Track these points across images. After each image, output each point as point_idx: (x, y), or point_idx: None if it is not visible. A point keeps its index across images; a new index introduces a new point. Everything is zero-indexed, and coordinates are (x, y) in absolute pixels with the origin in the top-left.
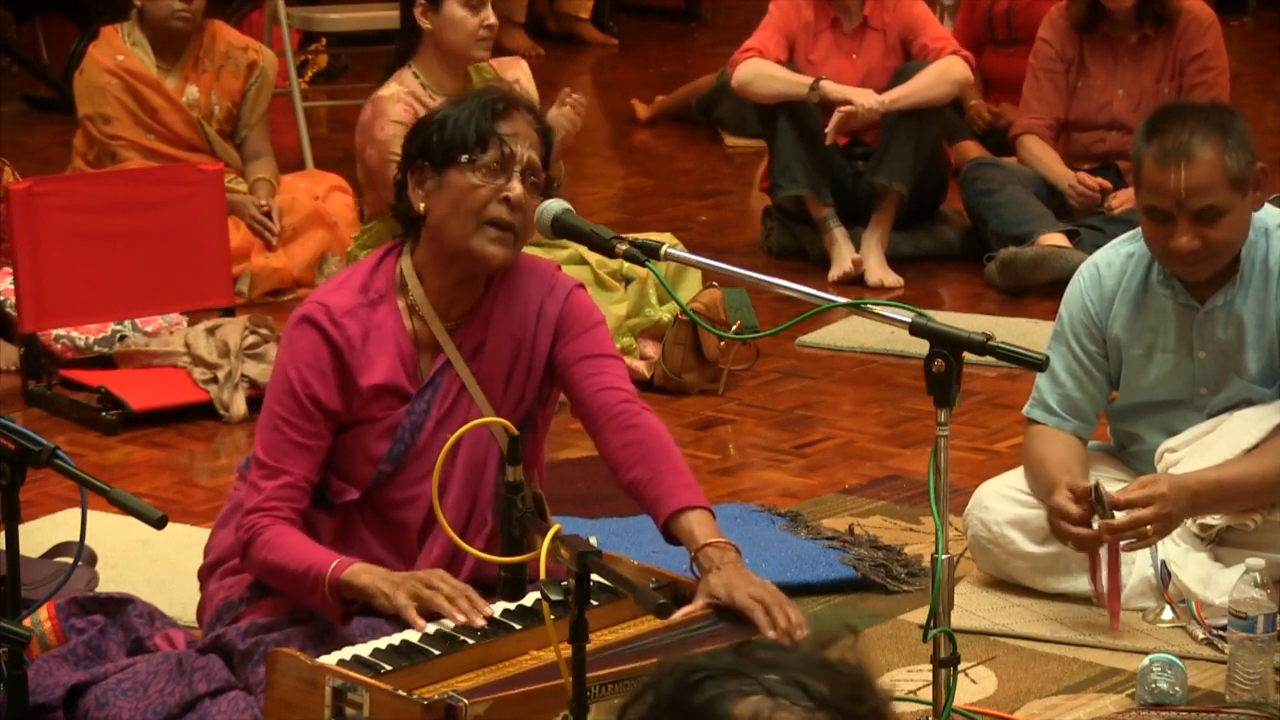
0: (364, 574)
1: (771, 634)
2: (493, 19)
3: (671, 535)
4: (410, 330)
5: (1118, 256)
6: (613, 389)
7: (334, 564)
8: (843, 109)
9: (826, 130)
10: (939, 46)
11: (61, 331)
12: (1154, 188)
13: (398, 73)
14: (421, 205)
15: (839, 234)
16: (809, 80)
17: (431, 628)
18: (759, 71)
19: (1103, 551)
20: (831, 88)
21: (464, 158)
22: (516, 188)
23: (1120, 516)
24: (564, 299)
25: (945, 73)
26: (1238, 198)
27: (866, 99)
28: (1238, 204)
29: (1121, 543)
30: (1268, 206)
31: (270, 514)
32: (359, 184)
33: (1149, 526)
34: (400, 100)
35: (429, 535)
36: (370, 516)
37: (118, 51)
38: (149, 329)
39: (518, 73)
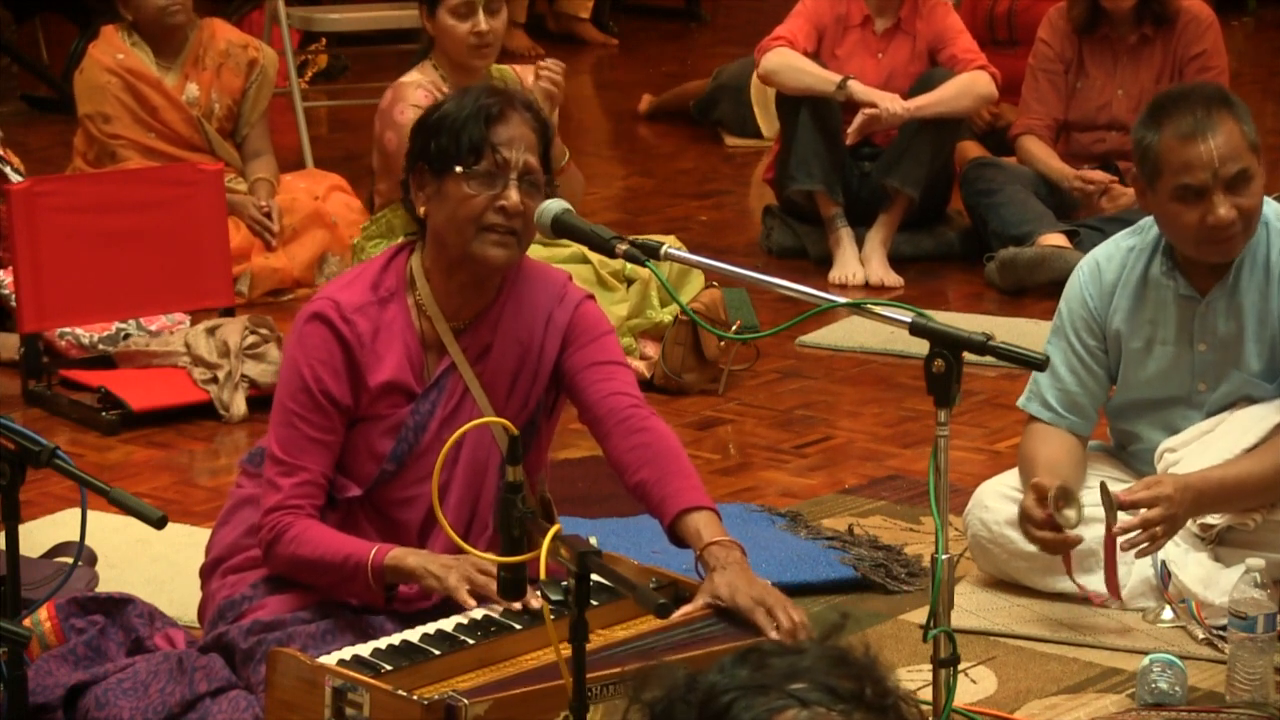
0: (410, 556)
1: (774, 634)
2: (484, 26)
3: (677, 536)
4: (418, 329)
5: (1118, 251)
6: (621, 394)
7: (374, 550)
8: (867, 111)
9: (849, 130)
10: (968, 59)
11: (66, 329)
12: (1184, 165)
13: (421, 63)
14: (422, 210)
15: (844, 235)
16: (837, 78)
17: (432, 627)
18: (787, 62)
19: (1082, 544)
20: (859, 89)
21: (458, 168)
22: (513, 195)
23: (1126, 517)
24: (574, 308)
25: (971, 86)
26: (1258, 163)
27: (892, 104)
28: (1259, 170)
29: (1133, 548)
30: (1268, 200)
31: (293, 511)
32: (370, 173)
33: (1156, 528)
34: (421, 87)
35: (429, 535)
36: (371, 514)
37: (118, 50)
38: (152, 328)
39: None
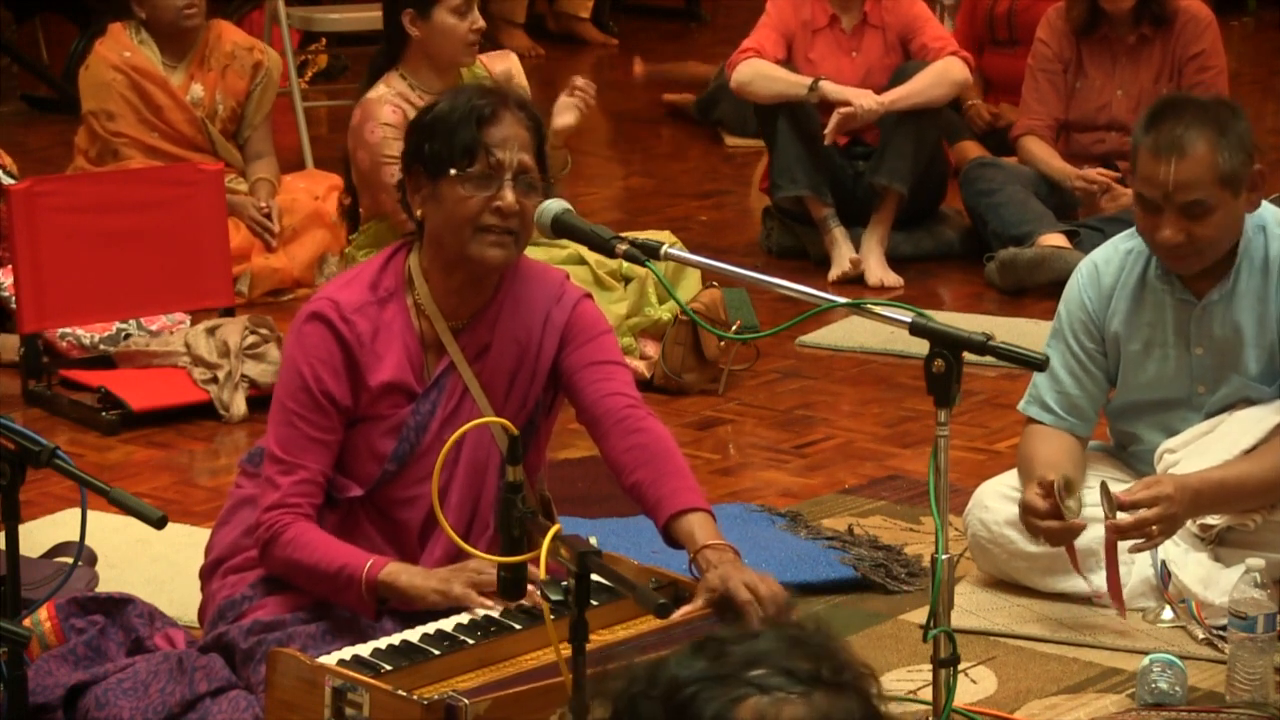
0: (403, 574)
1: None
2: (480, 22)
3: (672, 537)
4: (417, 329)
5: (1116, 253)
6: (618, 394)
7: (369, 564)
8: (842, 110)
9: (825, 131)
10: (938, 46)
11: (67, 329)
12: (1146, 178)
13: (385, 75)
14: (419, 211)
15: (839, 234)
16: (808, 80)
17: (431, 627)
18: (758, 72)
19: (1083, 545)
20: (830, 88)
21: (452, 170)
22: (507, 196)
23: (1125, 517)
24: (571, 308)
25: (945, 74)
26: (1228, 196)
27: (865, 99)
28: (1227, 203)
29: (1128, 544)
30: (1265, 204)
31: (291, 511)
32: (353, 186)
33: (1154, 527)
34: (388, 102)
35: (430, 535)
36: (372, 514)
37: (125, 48)
38: (153, 328)
39: (507, 65)
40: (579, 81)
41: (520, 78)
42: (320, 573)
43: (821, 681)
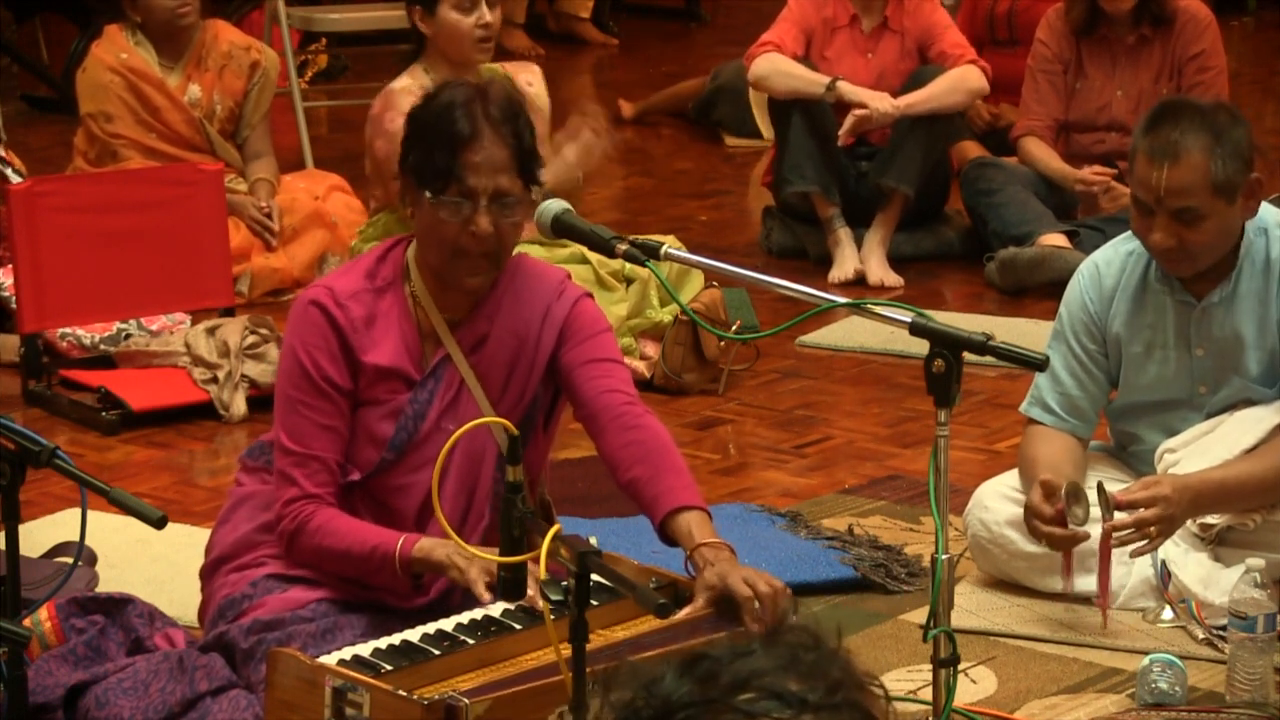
0: (439, 549)
1: (755, 628)
2: (488, 18)
3: (668, 535)
4: (415, 318)
5: (1117, 255)
6: (616, 391)
7: (401, 541)
8: (857, 111)
9: (840, 131)
10: (957, 54)
11: (67, 329)
12: (1139, 180)
13: (410, 67)
14: (410, 212)
15: (843, 235)
16: (826, 79)
17: (432, 627)
18: (776, 67)
19: (1083, 551)
20: (848, 89)
21: (428, 194)
22: (482, 222)
23: (1123, 517)
24: (571, 304)
25: (962, 81)
26: (1221, 204)
27: (882, 103)
28: (1220, 210)
29: (1128, 546)
30: (1266, 205)
31: (314, 501)
32: (366, 177)
33: (1152, 528)
34: (411, 93)
35: (425, 523)
36: (368, 501)
37: (121, 50)
38: (153, 328)
39: (530, 76)
40: (590, 110)
41: (541, 90)
42: (353, 556)
43: (809, 704)
